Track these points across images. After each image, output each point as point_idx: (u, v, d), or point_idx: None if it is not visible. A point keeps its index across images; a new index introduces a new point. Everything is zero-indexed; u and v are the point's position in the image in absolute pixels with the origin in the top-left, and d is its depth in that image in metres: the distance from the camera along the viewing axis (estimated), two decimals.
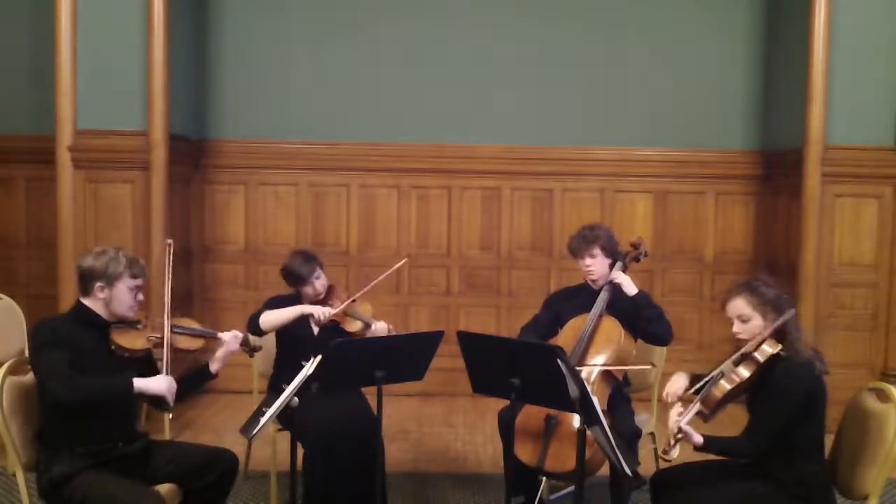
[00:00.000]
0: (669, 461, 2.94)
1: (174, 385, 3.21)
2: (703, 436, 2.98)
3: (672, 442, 2.92)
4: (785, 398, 2.98)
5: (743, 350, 3.07)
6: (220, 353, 3.44)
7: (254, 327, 3.96)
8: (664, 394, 3.22)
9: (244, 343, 3.54)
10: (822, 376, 3.05)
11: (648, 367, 3.88)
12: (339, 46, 6.25)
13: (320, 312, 3.93)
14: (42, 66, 5.78)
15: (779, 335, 3.07)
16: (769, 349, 3.03)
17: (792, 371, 2.99)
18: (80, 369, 3.10)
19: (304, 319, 4.07)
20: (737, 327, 3.11)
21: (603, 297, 3.86)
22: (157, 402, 3.25)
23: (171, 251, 3.51)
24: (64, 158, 5.28)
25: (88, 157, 5.30)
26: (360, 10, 6.24)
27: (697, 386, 3.11)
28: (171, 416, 3.25)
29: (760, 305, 3.07)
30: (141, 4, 5.22)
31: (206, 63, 6.20)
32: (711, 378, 3.06)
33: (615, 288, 3.86)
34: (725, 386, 3.01)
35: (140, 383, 3.14)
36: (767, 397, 3.01)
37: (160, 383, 3.18)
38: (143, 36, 5.25)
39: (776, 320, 3.05)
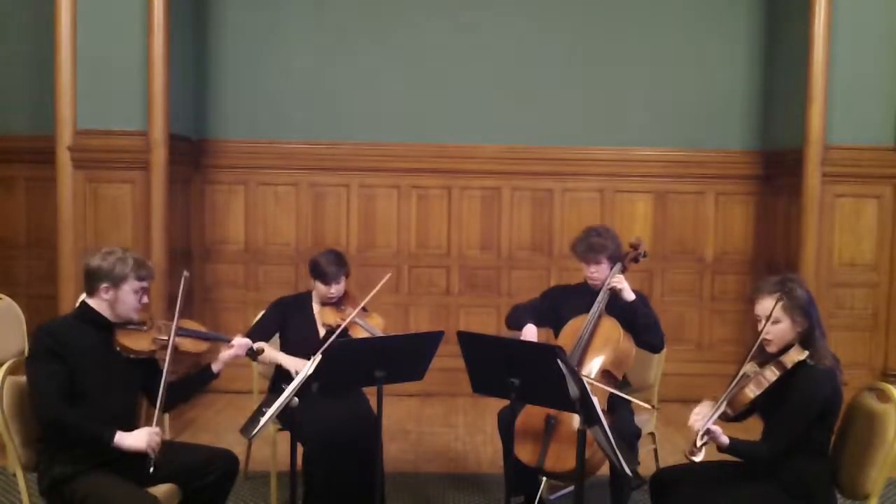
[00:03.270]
0: (696, 461, 2.91)
1: (155, 438, 3.10)
2: (729, 437, 2.97)
3: (698, 444, 2.89)
4: (808, 406, 2.95)
5: (768, 351, 3.05)
6: (225, 355, 3.45)
7: (252, 354, 3.79)
8: (690, 423, 3.14)
9: (249, 352, 3.56)
10: (841, 387, 3.03)
11: (648, 407, 3.79)
12: (340, 47, 6.25)
13: (297, 368, 3.73)
14: (42, 66, 5.78)
15: (805, 341, 3.04)
16: (796, 355, 2.99)
17: (816, 379, 2.97)
18: (84, 370, 3.10)
19: (310, 321, 4.06)
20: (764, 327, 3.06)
21: (602, 298, 3.86)
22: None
23: (187, 283, 3.38)
24: (64, 158, 5.28)
25: (88, 157, 5.30)
26: (359, 11, 6.24)
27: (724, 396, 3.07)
28: (152, 469, 3.09)
29: (791, 309, 3.02)
30: (141, 4, 5.22)
31: (206, 63, 6.20)
32: (736, 380, 3.04)
33: (614, 291, 3.86)
34: (754, 389, 2.98)
35: (119, 439, 3.05)
36: (790, 404, 2.97)
37: (139, 440, 3.07)
38: (143, 36, 5.25)
39: (804, 325, 3.02)
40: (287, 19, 6.23)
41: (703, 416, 3.02)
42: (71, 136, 5.28)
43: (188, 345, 3.37)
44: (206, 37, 6.19)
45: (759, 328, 3.07)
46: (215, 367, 3.45)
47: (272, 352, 3.94)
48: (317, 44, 6.24)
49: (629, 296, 3.82)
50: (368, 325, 4.01)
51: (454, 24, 6.27)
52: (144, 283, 3.23)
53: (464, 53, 6.27)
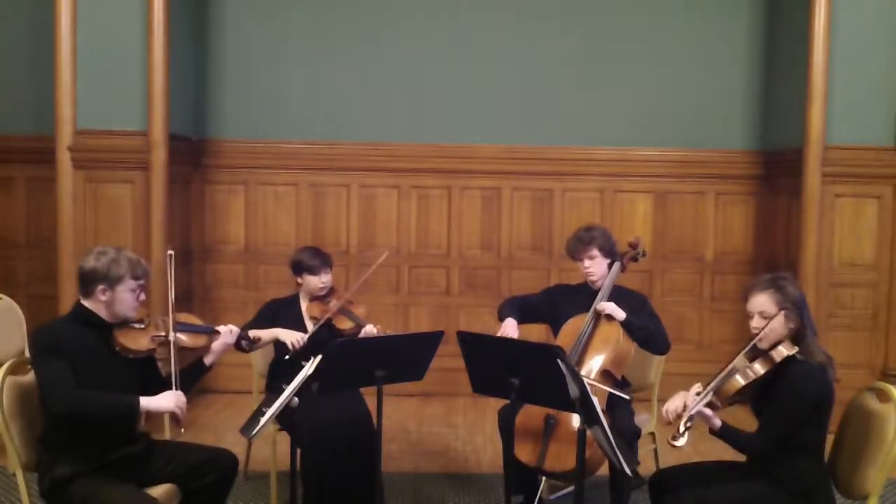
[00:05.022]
0: (678, 447, 2.92)
1: (182, 399, 3.15)
2: (722, 421, 2.99)
3: (682, 429, 2.91)
4: (797, 401, 2.97)
5: (758, 347, 3.07)
6: (216, 345, 3.45)
7: (237, 344, 3.91)
8: (664, 411, 3.16)
9: (243, 338, 3.56)
10: (833, 383, 3.05)
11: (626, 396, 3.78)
12: (339, 46, 6.25)
13: (294, 339, 3.92)
14: (42, 66, 5.78)
15: (795, 337, 3.06)
16: (786, 350, 3.02)
17: (806, 374, 2.99)
18: (84, 372, 3.09)
19: (298, 318, 4.11)
20: (756, 322, 3.08)
21: (601, 297, 3.86)
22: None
23: (173, 261, 3.41)
24: (64, 158, 5.28)
25: (88, 157, 5.30)
26: (359, 11, 6.24)
27: (709, 383, 3.09)
28: (182, 430, 3.20)
29: (783, 304, 3.05)
30: (141, 4, 5.22)
31: (206, 63, 6.20)
32: (724, 372, 3.06)
33: (603, 311, 3.81)
34: (740, 381, 3.01)
35: (146, 402, 3.11)
36: (780, 399, 3.00)
37: (167, 401, 3.14)
38: (143, 36, 5.25)
39: (795, 321, 3.05)
40: (287, 19, 6.23)
41: (676, 407, 3.06)
42: (71, 136, 5.28)
43: (187, 340, 3.36)
44: (206, 37, 6.19)
45: (752, 325, 3.10)
46: (207, 360, 3.45)
47: (266, 332, 3.98)
48: (317, 44, 6.24)
49: (619, 315, 3.80)
50: (353, 314, 4.09)
51: (454, 23, 6.26)
52: (141, 282, 3.22)
53: (464, 53, 6.26)
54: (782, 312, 3.04)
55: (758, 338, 3.06)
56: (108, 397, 3.10)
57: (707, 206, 6.38)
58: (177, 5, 5.45)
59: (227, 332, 3.48)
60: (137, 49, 5.26)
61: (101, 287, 3.16)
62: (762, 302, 3.08)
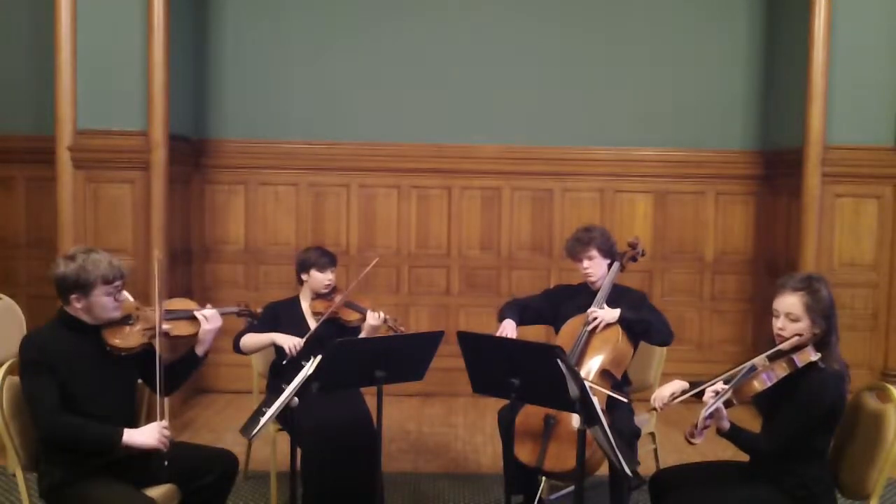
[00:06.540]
0: (695, 444, 2.91)
1: (164, 432, 3.07)
2: (731, 423, 2.97)
3: (700, 427, 2.89)
4: (815, 408, 2.93)
5: (780, 348, 3.02)
6: (203, 333, 3.35)
7: (235, 347, 4.07)
8: (652, 398, 3.19)
9: (243, 313, 3.54)
10: (847, 393, 3.01)
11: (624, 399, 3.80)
12: (339, 46, 6.25)
13: (291, 345, 3.93)
14: (42, 66, 5.78)
15: (819, 343, 3.00)
16: (810, 356, 2.95)
17: (825, 383, 2.94)
18: (77, 377, 3.06)
19: (300, 318, 4.11)
20: (781, 323, 3.02)
21: (600, 297, 3.87)
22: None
23: (159, 266, 3.33)
24: (64, 158, 5.27)
25: (88, 157, 5.29)
26: (360, 11, 6.24)
27: (727, 376, 3.05)
28: (166, 462, 3.10)
29: (813, 311, 2.98)
30: (141, 4, 5.22)
31: (206, 63, 6.20)
32: (743, 370, 3.01)
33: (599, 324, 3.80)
34: (765, 381, 2.94)
35: (128, 437, 3.03)
36: (797, 403, 2.95)
37: (149, 436, 3.05)
38: (143, 36, 5.24)
39: (822, 327, 2.98)
40: (287, 19, 6.23)
41: (663, 396, 3.12)
42: (71, 136, 5.27)
43: (182, 327, 3.32)
44: (206, 37, 6.19)
45: (776, 324, 3.04)
46: (199, 350, 3.38)
47: (263, 336, 4.02)
48: (317, 44, 6.24)
49: (612, 317, 3.78)
50: (357, 305, 4.13)
51: (453, 23, 6.27)
52: (116, 283, 3.12)
53: (464, 53, 6.26)
54: (808, 317, 2.97)
55: (784, 343, 3.01)
56: (89, 429, 3.03)
57: (707, 206, 6.38)
58: (177, 5, 5.45)
59: (212, 316, 3.37)
60: (137, 49, 5.25)
61: (74, 295, 3.07)
62: (792, 303, 2.99)
